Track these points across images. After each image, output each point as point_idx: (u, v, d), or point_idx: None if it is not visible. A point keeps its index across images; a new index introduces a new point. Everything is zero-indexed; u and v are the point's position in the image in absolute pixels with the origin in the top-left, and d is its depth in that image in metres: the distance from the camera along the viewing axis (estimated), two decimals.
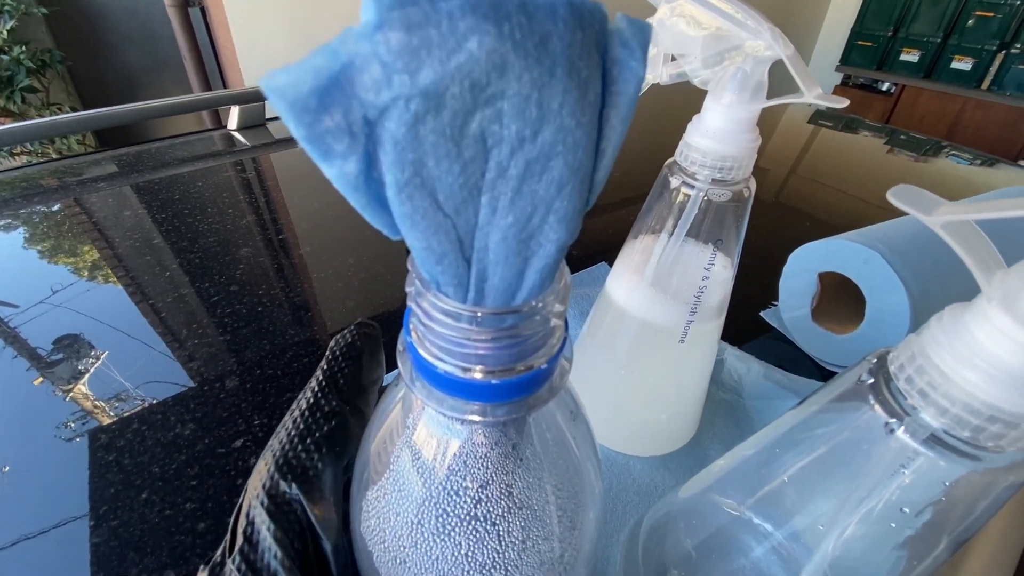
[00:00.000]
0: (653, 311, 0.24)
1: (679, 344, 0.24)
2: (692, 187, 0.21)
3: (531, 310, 0.09)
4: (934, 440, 0.11)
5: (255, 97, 0.74)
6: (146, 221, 0.48)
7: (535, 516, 0.11)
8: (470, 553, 0.10)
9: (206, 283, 0.40)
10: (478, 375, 0.09)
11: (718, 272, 0.23)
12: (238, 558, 0.13)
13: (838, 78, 2.57)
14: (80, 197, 0.53)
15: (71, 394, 0.31)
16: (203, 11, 1.51)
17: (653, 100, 1.04)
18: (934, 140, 0.91)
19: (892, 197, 0.11)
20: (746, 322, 0.39)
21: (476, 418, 0.09)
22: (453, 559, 0.10)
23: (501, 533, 0.10)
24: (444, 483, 0.10)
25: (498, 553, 0.10)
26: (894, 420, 0.12)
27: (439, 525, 0.10)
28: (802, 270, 0.36)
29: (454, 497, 0.10)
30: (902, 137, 0.92)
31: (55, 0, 1.48)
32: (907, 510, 0.12)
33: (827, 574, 0.18)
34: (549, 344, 0.09)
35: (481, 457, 0.10)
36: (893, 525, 0.13)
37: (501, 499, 0.10)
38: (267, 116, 0.78)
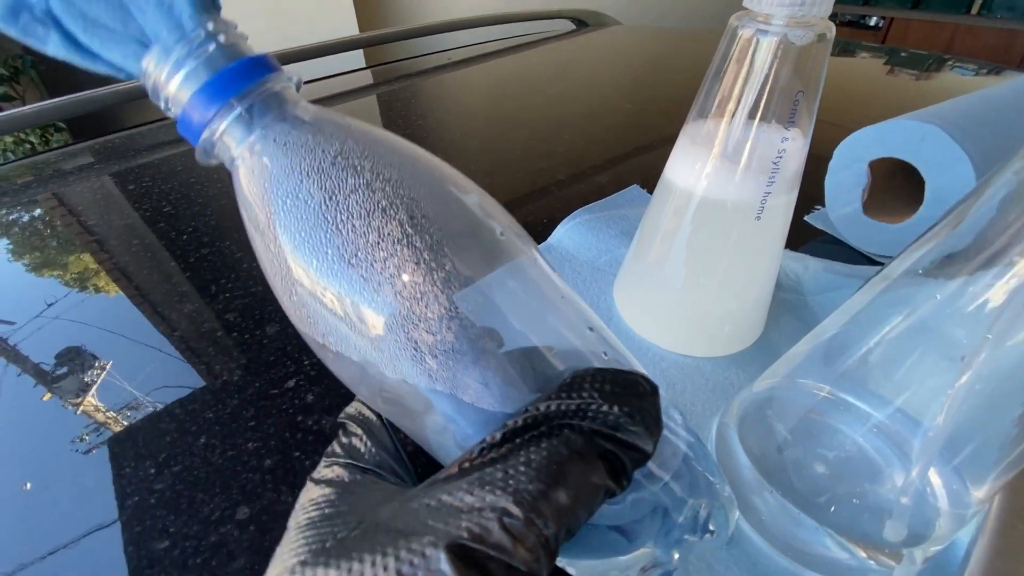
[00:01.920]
0: (728, 187, 0.22)
1: (755, 222, 0.23)
2: (767, 32, 0.19)
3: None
4: None
5: None
6: (151, 194, 0.46)
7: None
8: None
9: (227, 242, 0.38)
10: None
11: (795, 136, 0.21)
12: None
13: None
14: (61, 192, 0.49)
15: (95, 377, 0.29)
16: None
17: (698, 49, 1.01)
18: (935, 54, 0.88)
19: None
20: (790, 230, 0.38)
21: (236, 106, 0.13)
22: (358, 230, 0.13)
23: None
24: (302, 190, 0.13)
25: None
26: None
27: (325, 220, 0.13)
28: (851, 161, 0.34)
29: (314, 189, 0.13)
30: (902, 55, 0.89)
31: None
32: None
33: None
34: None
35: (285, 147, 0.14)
36: None
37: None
38: None
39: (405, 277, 0.13)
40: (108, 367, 0.29)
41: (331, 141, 0.13)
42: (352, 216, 0.13)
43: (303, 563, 0.11)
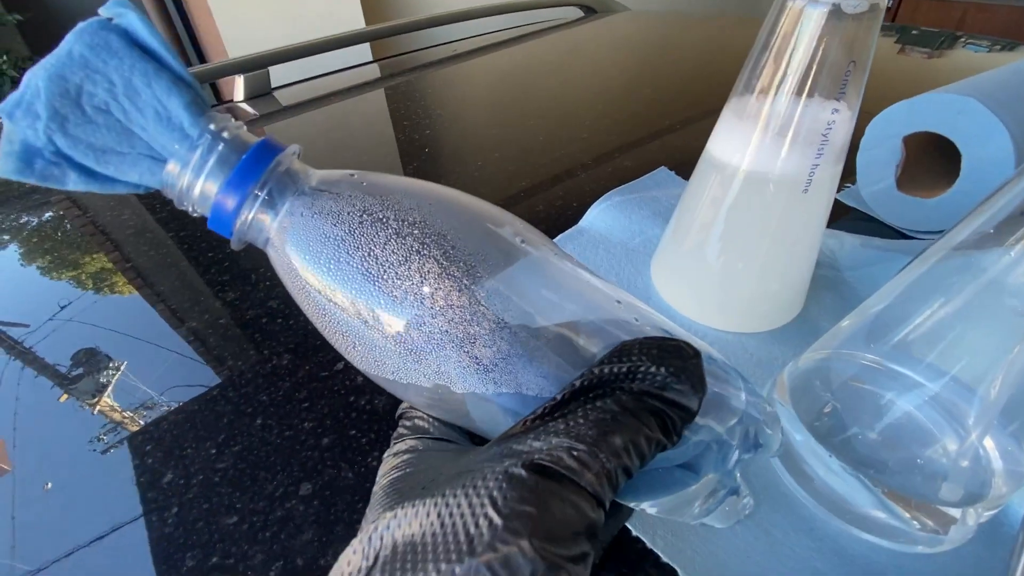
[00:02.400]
0: (776, 160, 0.22)
1: (802, 195, 0.23)
2: (818, 3, 0.19)
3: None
4: None
5: (259, 64, 0.72)
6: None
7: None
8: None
9: None
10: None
11: (843, 108, 0.21)
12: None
13: None
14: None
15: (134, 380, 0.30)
16: (178, 2, 1.46)
17: (708, 33, 1.00)
18: (947, 31, 0.87)
19: None
20: None
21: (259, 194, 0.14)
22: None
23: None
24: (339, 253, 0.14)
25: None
26: None
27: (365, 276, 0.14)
28: (885, 137, 0.34)
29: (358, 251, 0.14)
30: (914, 32, 0.88)
31: (26, 6, 1.43)
32: None
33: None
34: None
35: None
36: None
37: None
38: (272, 85, 0.75)
39: (453, 304, 0.14)
40: (124, 367, 0.29)
41: (352, 202, 0.14)
42: (393, 264, 0.14)
43: (399, 503, 0.12)
